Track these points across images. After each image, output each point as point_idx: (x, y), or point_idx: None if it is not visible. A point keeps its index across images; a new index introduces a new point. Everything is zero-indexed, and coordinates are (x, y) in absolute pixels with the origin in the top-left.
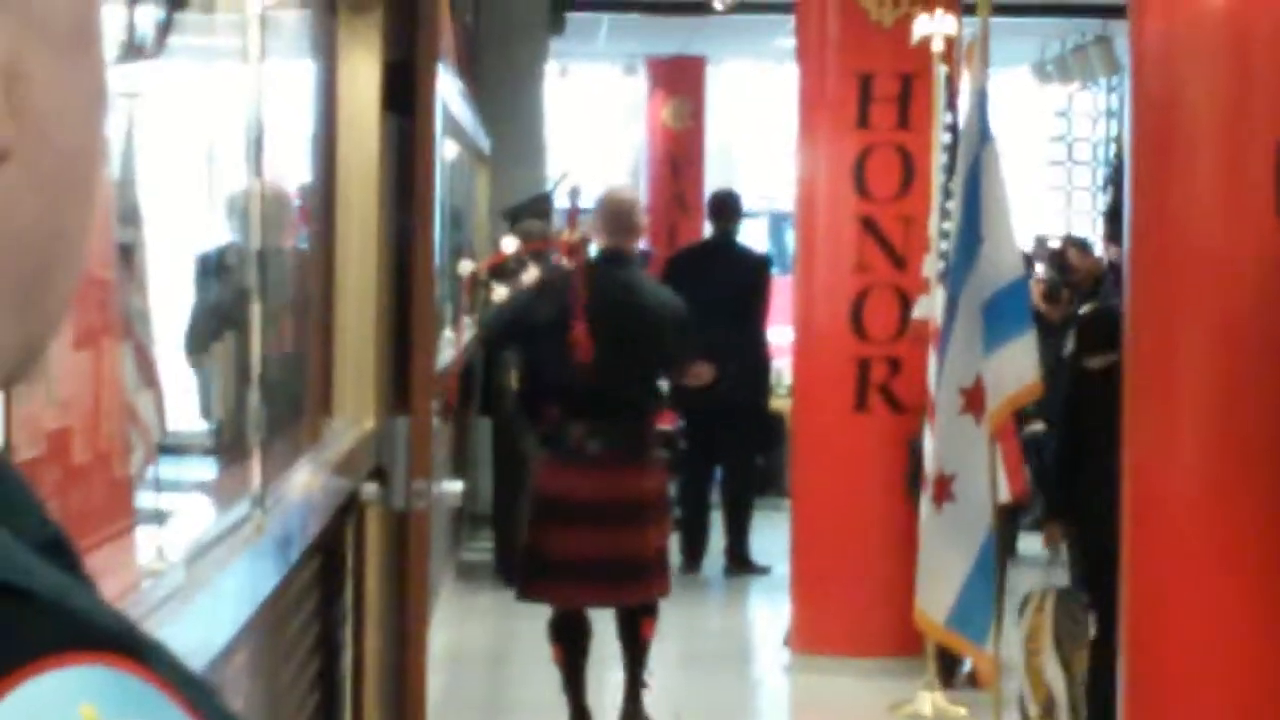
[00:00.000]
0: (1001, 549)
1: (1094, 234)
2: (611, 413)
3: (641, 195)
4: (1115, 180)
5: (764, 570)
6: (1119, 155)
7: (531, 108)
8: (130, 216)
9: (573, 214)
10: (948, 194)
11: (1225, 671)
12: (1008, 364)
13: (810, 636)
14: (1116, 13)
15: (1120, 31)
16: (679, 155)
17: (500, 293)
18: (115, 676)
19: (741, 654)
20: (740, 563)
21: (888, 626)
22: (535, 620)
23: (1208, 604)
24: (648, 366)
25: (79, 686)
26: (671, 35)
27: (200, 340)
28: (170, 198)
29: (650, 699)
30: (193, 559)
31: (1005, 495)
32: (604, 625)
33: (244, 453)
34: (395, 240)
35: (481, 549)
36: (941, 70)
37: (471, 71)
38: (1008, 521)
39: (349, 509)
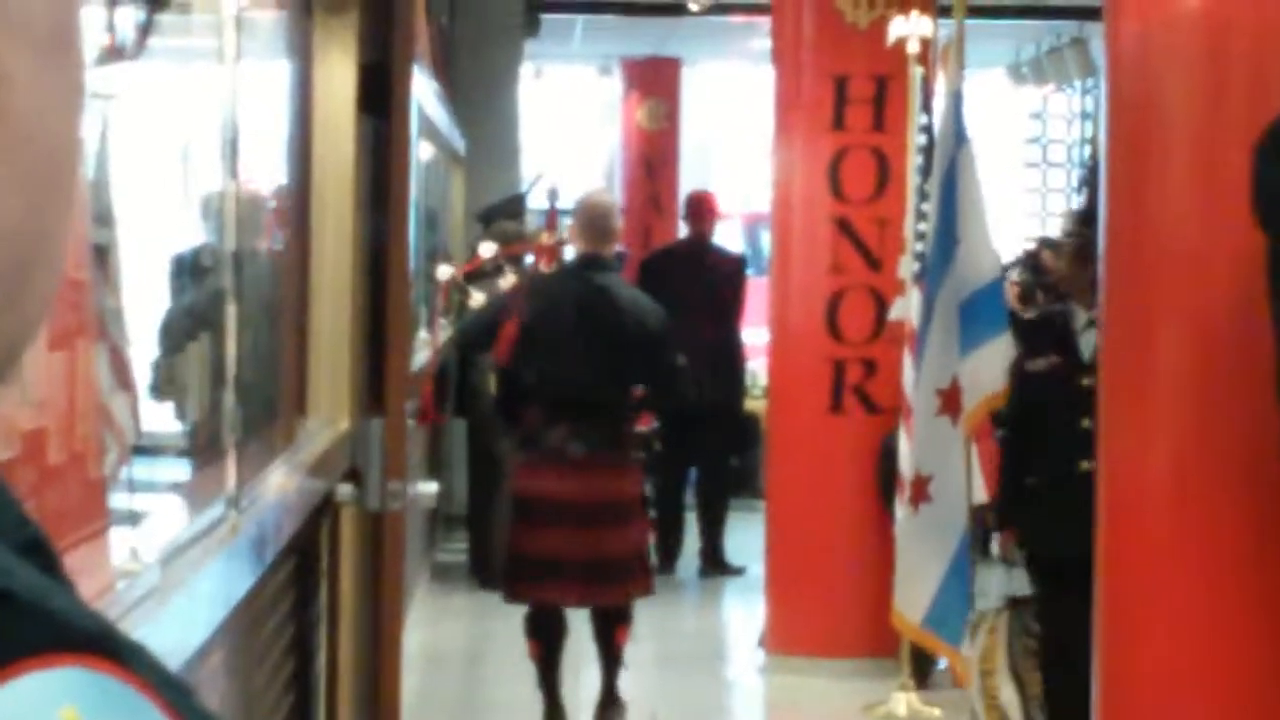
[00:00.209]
0: (973, 549)
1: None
2: (592, 415)
3: (616, 197)
4: (1090, 182)
5: (739, 571)
6: (1094, 157)
7: (507, 109)
8: (105, 217)
9: (551, 216)
10: (923, 196)
11: (1201, 672)
12: (984, 365)
13: (785, 637)
14: (1092, 15)
15: (1095, 33)
16: (654, 157)
17: (477, 298)
18: (95, 678)
19: (716, 655)
20: (715, 564)
21: (862, 627)
22: (510, 620)
23: (1183, 605)
24: (626, 369)
25: (60, 688)
26: (646, 36)
27: (175, 341)
28: (145, 199)
29: (624, 700)
30: (167, 560)
31: (982, 496)
32: (580, 625)
33: (219, 454)
34: (370, 242)
35: (456, 550)
36: (917, 72)
37: (447, 73)
38: (979, 522)
39: (324, 510)
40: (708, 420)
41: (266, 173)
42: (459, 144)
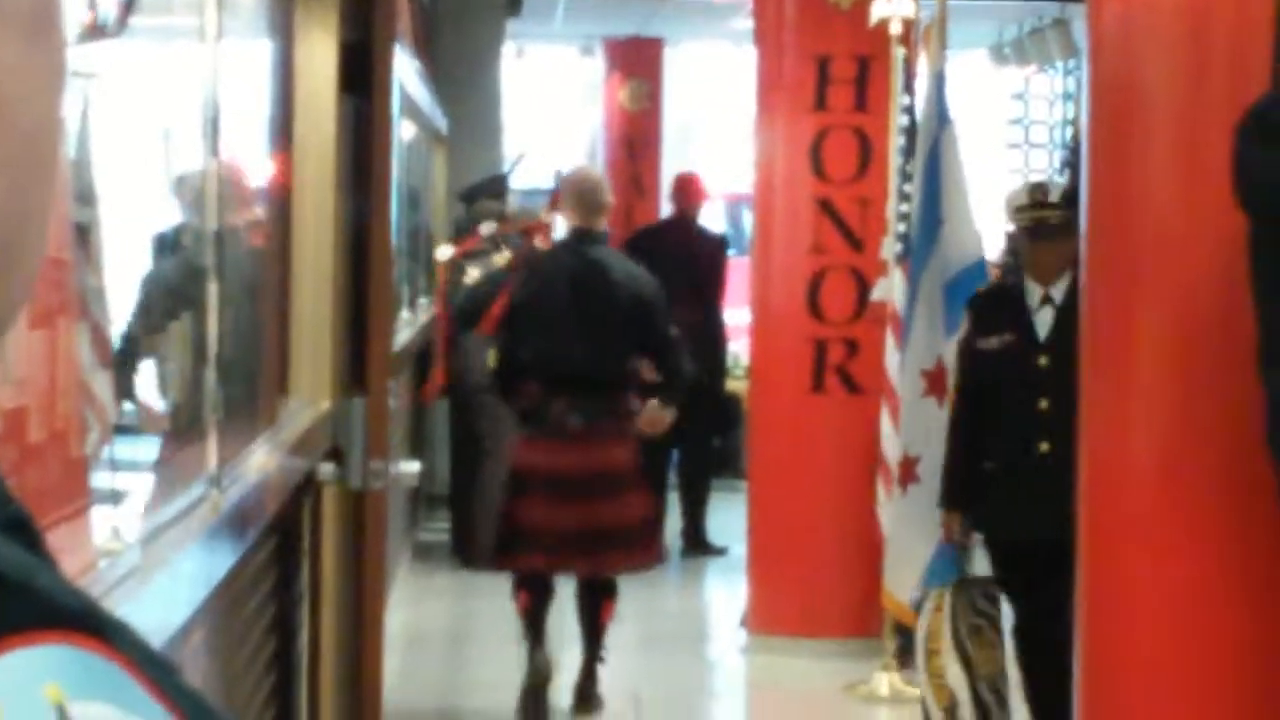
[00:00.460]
0: None
1: None
2: (591, 388)
3: None
4: (1072, 163)
5: (721, 551)
6: (1076, 138)
7: (489, 88)
8: (86, 196)
9: (555, 196)
10: (905, 176)
11: (1185, 653)
12: None
13: (767, 617)
14: None
15: (1078, 15)
16: (636, 137)
17: (473, 274)
18: (79, 655)
19: (698, 635)
20: (697, 544)
21: (844, 607)
22: (493, 600)
23: (1166, 586)
24: (622, 342)
25: (43, 665)
26: (629, 16)
27: (157, 320)
28: (127, 177)
29: (607, 679)
30: (149, 539)
31: None
32: (564, 604)
33: (200, 433)
34: (352, 221)
35: (438, 529)
36: (899, 53)
37: (429, 52)
38: None
39: (305, 489)
40: (690, 400)
41: (248, 152)
42: (441, 123)
